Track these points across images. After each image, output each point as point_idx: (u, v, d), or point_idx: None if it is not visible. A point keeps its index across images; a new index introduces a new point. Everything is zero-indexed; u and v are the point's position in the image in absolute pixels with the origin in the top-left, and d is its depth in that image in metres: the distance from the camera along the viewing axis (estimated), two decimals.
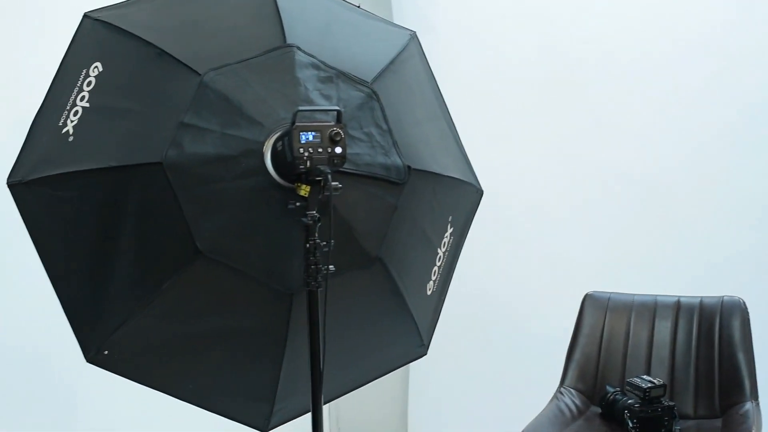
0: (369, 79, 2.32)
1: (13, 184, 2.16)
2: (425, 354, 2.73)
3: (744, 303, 2.93)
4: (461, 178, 2.64)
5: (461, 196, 2.69)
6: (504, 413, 3.94)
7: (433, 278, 2.64)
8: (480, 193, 2.77)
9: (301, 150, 1.98)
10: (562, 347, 3.23)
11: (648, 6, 4.05)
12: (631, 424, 2.57)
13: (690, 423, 2.79)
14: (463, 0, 4.44)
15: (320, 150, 2.00)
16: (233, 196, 2.08)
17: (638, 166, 4.04)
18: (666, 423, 2.63)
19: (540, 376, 3.57)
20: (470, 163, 2.78)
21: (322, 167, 2.00)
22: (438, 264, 2.63)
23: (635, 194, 4.04)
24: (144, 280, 2.14)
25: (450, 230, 2.64)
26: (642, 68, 4.05)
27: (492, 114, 4.31)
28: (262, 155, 2.07)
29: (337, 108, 2.07)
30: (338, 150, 2.03)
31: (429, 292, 2.64)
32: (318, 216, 2.05)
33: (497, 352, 4.29)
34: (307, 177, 2.03)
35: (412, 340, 2.63)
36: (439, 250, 2.62)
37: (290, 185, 2.07)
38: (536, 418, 2.62)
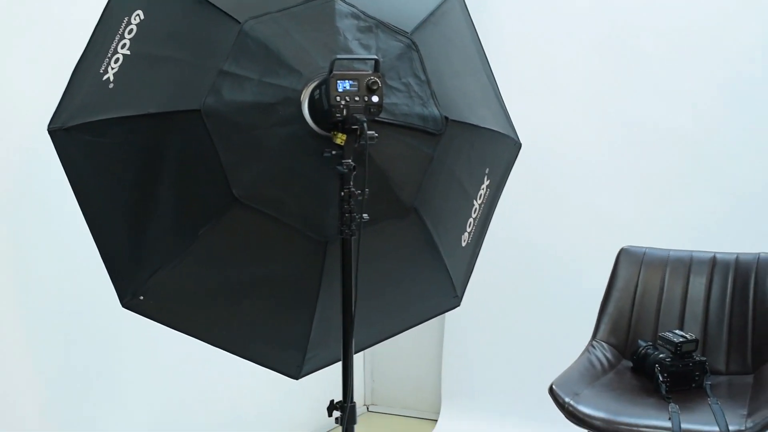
0: (409, 30, 2.32)
1: (53, 130, 2.19)
2: (458, 305, 2.75)
3: None
4: (500, 130, 2.64)
5: (499, 149, 2.69)
6: (536, 365, 3.97)
7: (468, 230, 2.65)
8: (518, 146, 2.77)
9: (338, 98, 1.99)
10: (596, 301, 3.23)
11: None
12: (661, 378, 2.57)
13: (721, 378, 2.78)
14: None
15: (357, 99, 2.01)
16: (270, 143, 2.10)
17: (676, 121, 4.02)
18: (697, 377, 2.63)
19: (573, 329, 3.57)
20: (509, 117, 2.78)
21: (358, 116, 2.01)
22: (474, 216, 2.64)
23: (673, 150, 4.03)
24: (181, 226, 2.17)
25: (487, 182, 2.64)
26: (683, 25, 4.02)
27: (532, 68, 4.31)
28: (299, 103, 2.08)
29: (375, 57, 2.08)
30: (375, 99, 2.04)
31: (464, 244, 2.65)
32: (354, 165, 2.06)
33: (531, 305, 4.31)
34: (344, 125, 2.04)
35: (446, 291, 2.65)
36: (475, 202, 2.62)
37: (327, 134, 2.08)
38: (566, 370, 2.63)
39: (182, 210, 2.16)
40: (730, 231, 3.75)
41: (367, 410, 4.89)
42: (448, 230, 2.54)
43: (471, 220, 2.64)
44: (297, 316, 2.37)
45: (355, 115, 2.01)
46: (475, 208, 2.64)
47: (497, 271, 4.14)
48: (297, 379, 2.50)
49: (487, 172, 2.63)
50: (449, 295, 2.67)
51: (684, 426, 2.27)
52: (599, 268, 3.49)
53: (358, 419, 2.24)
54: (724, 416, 2.33)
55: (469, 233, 2.66)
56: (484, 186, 2.64)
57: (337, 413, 2.21)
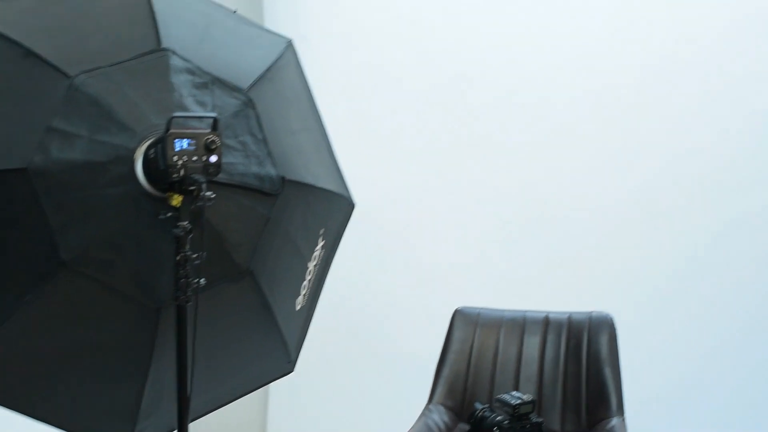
0: (245, 87, 2.25)
1: None
2: (292, 371, 2.67)
3: (612, 319, 2.98)
4: (334, 190, 2.60)
5: (334, 209, 2.65)
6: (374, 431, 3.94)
7: (303, 293, 2.58)
8: (352, 206, 2.73)
9: (175, 158, 1.90)
10: (432, 363, 3.21)
11: (520, 18, 4.11)
12: None
13: None
14: (337, 8, 4.42)
15: (195, 158, 1.93)
16: (101, 204, 1.98)
17: (509, 182, 4.09)
18: None
19: (409, 392, 3.53)
20: (343, 175, 2.74)
21: (196, 176, 1.92)
22: (308, 278, 2.58)
23: (506, 211, 4.10)
24: (5, 292, 2.02)
25: (321, 243, 2.59)
26: (517, 80, 4.11)
27: (364, 125, 4.31)
28: (132, 163, 1.97)
29: (213, 115, 2.00)
30: (213, 159, 1.96)
31: (298, 307, 2.58)
32: (190, 227, 1.97)
33: (365, 369, 4.27)
34: (180, 186, 1.94)
35: (280, 356, 2.57)
36: (309, 264, 2.56)
37: (162, 195, 1.98)
38: None
39: (7, 275, 2.01)
40: (563, 291, 3.83)
41: None
42: (283, 293, 2.47)
43: (305, 282, 2.58)
44: (127, 385, 2.23)
45: (192, 175, 1.92)
46: (310, 270, 2.58)
47: (330, 334, 4.08)
48: None
49: (321, 233, 2.58)
50: (283, 361, 2.59)
51: None
52: (434, 329, 3.49)
53: None
54: None
55: (304, 296, 2.60)
56: (318, 247, 2.58)
57: None
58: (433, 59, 4.26)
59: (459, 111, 4.22)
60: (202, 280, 2.00)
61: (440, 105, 4.25)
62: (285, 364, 2.61)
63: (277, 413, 4.46)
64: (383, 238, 4.30)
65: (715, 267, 3.97)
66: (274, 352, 2.53)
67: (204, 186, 1.92)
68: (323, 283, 2.73)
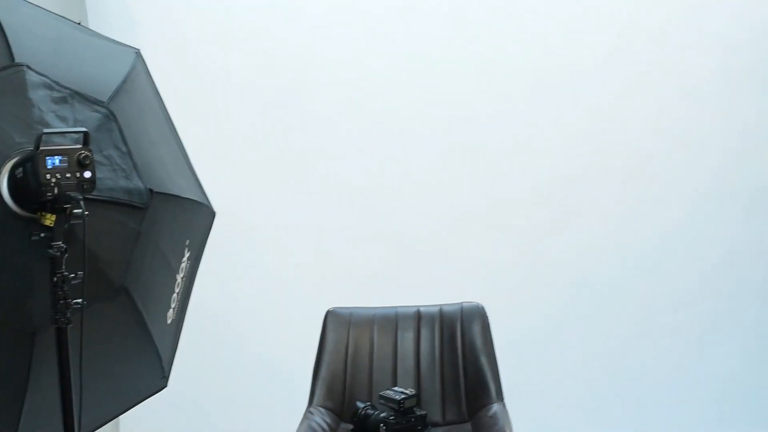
0: (104, 99, 2.19)
1: None
2: (165, 386, 2.62)
3: (483, 308, 3.04)
4: (197, 199, 2.56)
5: (197, 219, 2.61)
6: None
7: (173, 306, 2.54)
8: (213, 214, 2.70)
9: (48, 176, 1.84)
10: (307, 366, 3.20)
11: (363, 22, 4.16)
12: None
13: (440, 430, 2.85)
14: (170, 20, 4.34)
15: (68, 175, 1.87)
16: None
17: (364, 181, 4.14)
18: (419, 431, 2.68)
19: (287, 398, 3.56)
20: (201, 184, 2.71)
21: (72, 193, 1.86)
22: (177, 291, 2.54)
23: (365, 210, 4.16)
24: None
25: (187, 254, 2.55)
26: (365, 83, 4.16)
27: (212, 133, 4.24)
28: None
29: (84, 130, 1.94)
30: (87, 174, 1.90)
31: (169, 321, 2.53)
32: (65, 247, 1.90)
33: (240, 375, 4.22)
34: (53, 205, 1.88)
35: (155, 373, 2.52)
36: (178, 276, 2.52)
37: (32, 215, 1.91)
38: None
39: None
40: (433, 284, 3.94)
41: None
42: (156, 308, 2.42)
43: (175, 295, 2.54)
44: (2, 414, 2.14)
45: (68, 193, 1.86)
46: (178, 283, 2.54)
47: (198, 346, 4.01)
48: None
49: (187, 243, 2.54)
50: (158, 377, 2.54)
51: None
52: (309, 332, 3.49)
53: None
54: None
55: (174, 309, 2.55)
56: (185, 259, 2.54)
57: None
58: (277, 64, 4.26)
59: (304, 115, 4.24)
60: (82, 301, 1.94)
61: (285, 109, 4.25)
62: (159, 380, 2.56)
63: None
64: (244, 246, 4.26)
65: (563, 254, 4.17)
66: (149, 368, 2.48)
67: (82, 203, 1.86)
68: (190, 294, 2.69)
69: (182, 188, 2.48)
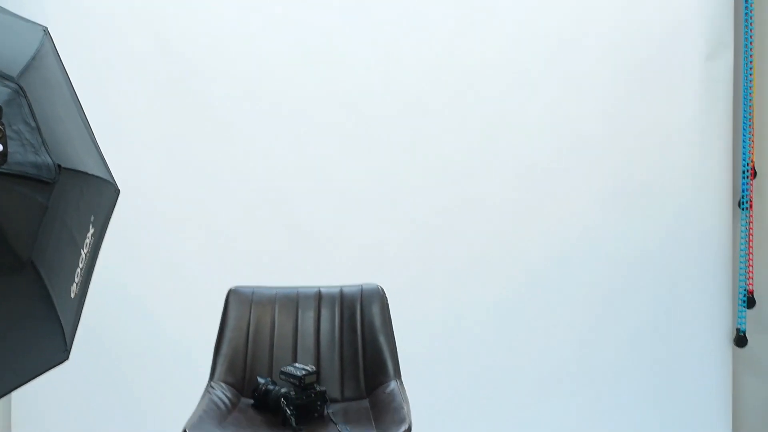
0: (14, 75, 2.21)
1: None
2: (67, 359, 2.64)
3: (382, 289, 3.11)
4: (102, 176, 2.59)
5: (103, 196, 2.63)
6: (150, 417, 3.94)
7: (76, 280, 2.56)
8: (117, 192, 2.73)
9: None
10: (209, 345, 3.25)
11: (269, 11, 4.21)
12: (289, 411, 2.65)
13: (338, 406, 2.92)
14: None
15: None
16: None
17: (259, 165, 4.19)
18: (319, 407, 2.74)
19: (188, 375, 3.65)
20: (106, 162, 2.73)
21: None
22: (81, 266, 2.56)
23: (265, 193, 4.22)
24: None
25: (92, 230, 2.58)
26: (261, 70, 4.21)
27: (111, 112, 4.24)
28: None
29: None
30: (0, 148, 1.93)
31: (72, 295, 2.56)
32: None
33: (138, 357, 4.24)
34: None
35: (57, 345, 2.54)
36: (82, 252, 2.54)
37: None
38: (194, 413, 2.61)
39: None
40: (334, 265, 4.06)
41: None
42: (61, 282, 2.44)
43: (78, 270, 2.56)
44: None
45: None
46: (82, 258, 2.56)
47: (99, 322, 4.03)
48: None
49: (92, 219, 2.57)
50: (60, 349, 2.56)
51: None
52: (210, 312, 3.53)
53: None
54: None
55: (77, 284, 2.57)
56: (89, 234, 2.57)
57: None
58: (176, 47, 4.26)
59: (202, 99, 4.26)
60: None
61: (184, 92, 4.26)
62: (62, 353, 2.58)
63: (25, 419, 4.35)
64: (145, 224, 4.28)
65: (459, 238, 4.30)
66: (52, 341, 2.50)
67: None
68: (93, 270, 2.72)
69: (89, 165, 2.50)
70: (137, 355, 4.28)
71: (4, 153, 1.93)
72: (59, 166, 2.24)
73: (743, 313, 4.33)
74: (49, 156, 2.22)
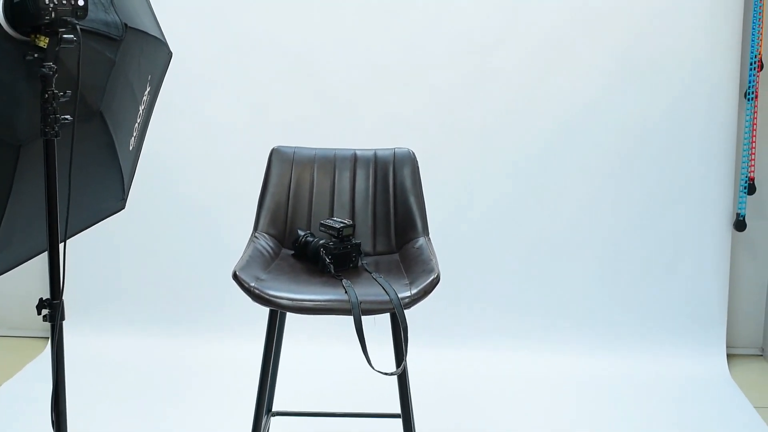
0: None
1: None
2: (123, 208, 2.87)
3: (413, 153, 3.29)
4: (160, 38, 2.77)
5: (159, 56, 2.82)
6: (200, 264, 4.24)
7: (134, 134, 2.76)
8: (170, 54, 2.91)
9: (47, 1, 2.04)
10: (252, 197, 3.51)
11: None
12: (327, 260, 2.87)
13: (370, 258, 3.14)
14: None
15: (65, 2, 2.07)
16: None
17: (296, 37, 4.51)
18: (354, 258, 2.97)
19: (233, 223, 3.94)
20: (159, 25, 2.90)
21: (68, 18, 2.07)
22: (138, 121, 2.76)
23: (296, 64, 4.47)
24: None
25: (148, 89, 2.77)
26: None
27: None
28: None
29: None
30: (81, 2, 2.11)
31: (130, 148, 2.76)
32: (55, 67, 2.11)
33: (187, 204, 4.56)
34: (48, 28, 2.08)
35: (117, 194, 2.76)
36: (140, 108, 2.74)
37: (24, 38, 2.11)
38: (241, 258, 2.83)
39: None
40: (368, 131, 4.40)
41: None
42: (122, 134, 2.65)
43: (136, 124, 2.76)
44: None
45: (64, 17, 2.07)
46: (140, 114, 2.76)
47: (153, 177, 4.31)
48: None
49: (149, 78, 2.76)
50: (118, 198, 2.78)
51: (359, 297, 2.59)
52: (255, 168, 3.78)
53: None
54: (391, 286, 2.67)
55: (134, 137, 2.78)
56: (146, 92, 2.76)
57: (45, 311, 2.27)
58: None
59: None
60: (69, 117, 2.16)
61: None
62: (119, 202, 2.81)
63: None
64: (197, 84, 4.52)
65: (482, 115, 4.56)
66: (113, 189, 2.72)
67: (78, 26, 2.07)
68: (148, 125, 2.91)
69: (148, 26, 2.68)
70: (179, 213, 4.56)
71: (86, 7, 2.11)
72: (125, 24, 2.43)
73: (744, 199, 4.52)
74: (117, 15, 2.40)
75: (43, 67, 2.10)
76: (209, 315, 4.64)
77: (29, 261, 3.33)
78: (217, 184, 4.54)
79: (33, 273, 4.74)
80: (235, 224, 4.36)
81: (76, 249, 4.64)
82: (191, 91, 4.49)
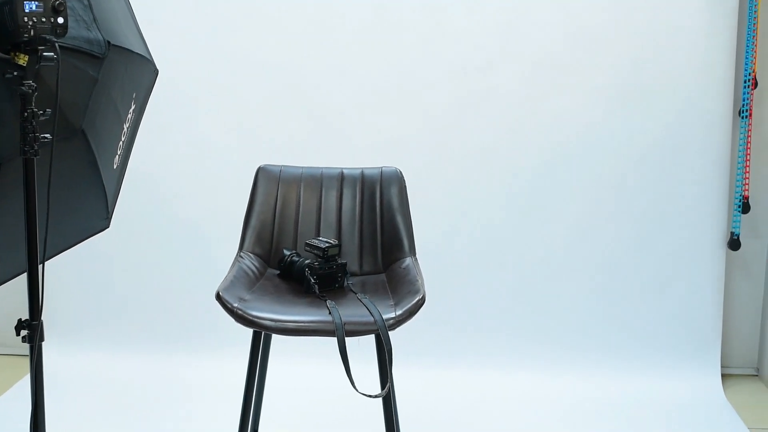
0: None
1: None
2: (108, 227, 2.84)
3: (400, 172, 3.27)
4: (145, 55, 2.75)
5: (144, 74, 2.81)
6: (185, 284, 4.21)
7: (119, 152, 2.75)
8: (156, 72, 2.89)
9: (26, 19, 2.02)
10: (238, 217, 3.48)
11: None
12: (312, 280, 2.85)
13: (357, 279, 3.12)
14: None
15: (44, 19, 2.06)
16: None
17: (285, 56, 4.48)
18: (339, 278, 2.94)
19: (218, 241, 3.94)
20: (146, 43, 2.89)
21: (47, 36, 2.06)
22: (122, 139, 2.74)
23: (285, 83, 4.51)
24: None
25: (133, 106, 2.75)
26: None
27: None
28: None
29: None
30: (60, 20, 2.10)
31: (115, 166, 2.74)
32: (35, 85, 2.10)
33: (170, 233, 4.55)
34: (27, 46, 2.07)
35: (100, 213, 2.74)
36: (124, 126, 2.72)
37: (4, 55, 2.09)
38: (225, 278, 2.81)
39: None
40: (355, 150, 4.39)
41: None
42: (106, 153, 2.63)
43: (120, 143, 2.74)
44: None
45: (43, 36, 2.06)
46: (124, 132, 2.74)
47: (127, 200, 4.27)
48: None
49: (134, 96, 2.74)
50: (102, 216, 2.76)
51: (343, 318, 2.56)
52: (240, 187, 3.76)
53: None
54: (376, 307, 2.64)
55: (119, 155, 2.76)
56: (131, 110, 2.74)
57: (24, 332, 2.25)
58: None
59: None
60: (48, 136, 2.14)
61: None
62: (103, 221, 2.78)
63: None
64: (183, 104, 4.51)
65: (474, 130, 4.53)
66: (96, 208, 2.70)
67: (56, 44, 2.06)
68: (133, 143, 2.89)
69: (132, 43, 2.67)
70: (165, 232, 4.54)
71: (65, 25, 2.10)
72: (108, 42, 2.41)
73: (738, 218, 4.50)
74: (100, 32, 2.39)
75: (23, 85, 2.09)
76: (196, 334, 4.60)
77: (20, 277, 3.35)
78: (205, 202, 4.51)
79: (24, 290, 4.69)
80: (222, 243, 4.32)
81: (63, 267, 4.61)
82: (179, 109, 4.47)
